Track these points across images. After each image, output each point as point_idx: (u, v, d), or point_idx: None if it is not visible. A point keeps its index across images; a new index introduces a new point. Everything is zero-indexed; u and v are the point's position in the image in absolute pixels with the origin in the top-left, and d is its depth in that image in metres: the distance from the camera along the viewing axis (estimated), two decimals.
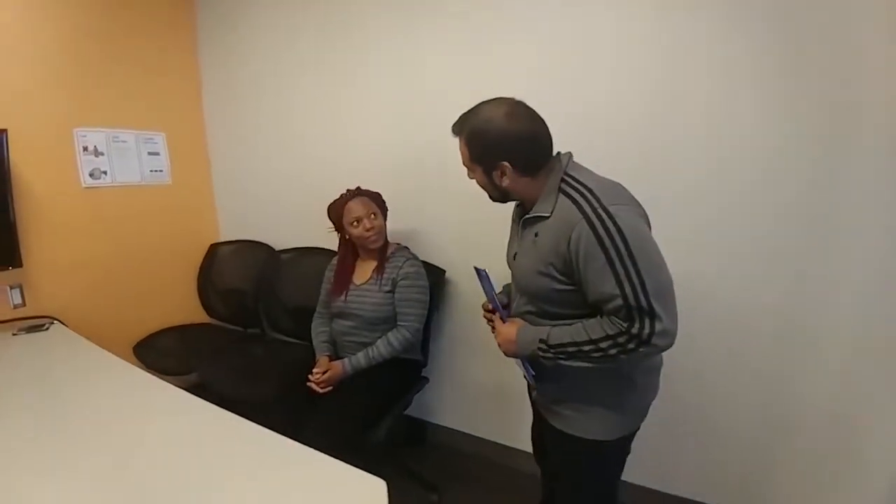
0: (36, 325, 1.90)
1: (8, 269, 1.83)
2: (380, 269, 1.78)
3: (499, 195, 1.13)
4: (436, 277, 1.97)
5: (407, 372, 1.88)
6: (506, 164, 1.03)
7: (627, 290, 0.91)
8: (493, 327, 1.23)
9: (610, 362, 0.98)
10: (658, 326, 0.90)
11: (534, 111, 1.05)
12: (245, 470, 1.03)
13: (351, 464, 0.99)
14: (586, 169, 1.07)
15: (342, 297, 1.80)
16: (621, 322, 0.93)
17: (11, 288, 1.92)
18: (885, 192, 1.31)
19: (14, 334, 1.81)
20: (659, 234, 1.02)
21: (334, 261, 1.91)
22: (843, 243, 1.39)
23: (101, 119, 2.24)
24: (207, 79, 2.67)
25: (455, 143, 1.13)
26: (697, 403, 1.67)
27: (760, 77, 1.41)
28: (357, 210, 1.73)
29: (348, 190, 1.80)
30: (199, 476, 1.01)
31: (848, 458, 1.46)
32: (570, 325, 1.03)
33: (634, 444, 1.21)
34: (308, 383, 1.69)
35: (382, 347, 1.72)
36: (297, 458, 1.06)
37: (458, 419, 2.23)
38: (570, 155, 1.08)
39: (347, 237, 1.80)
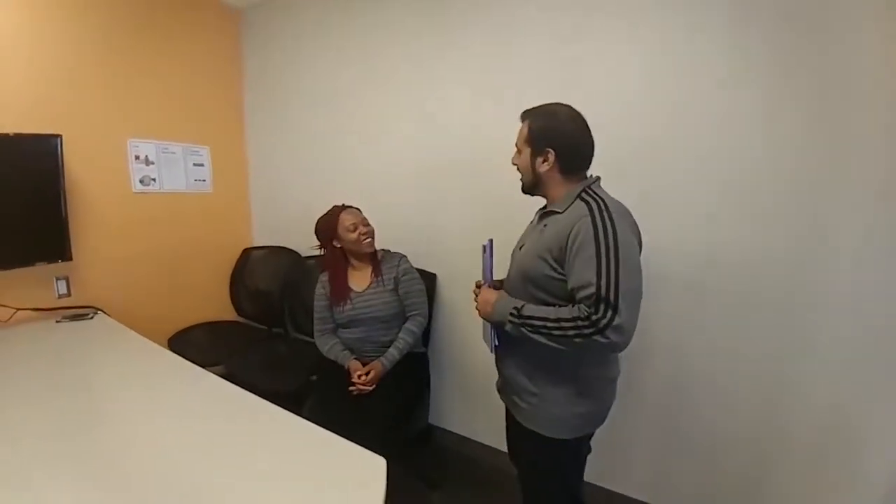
0: (80, 313, 2.06)
1: (58, 261, 2.01)
2: (377, 272, 1.90)
3: (531, 182, 1.26)
4: (429, 282, 2.10)
5: (422, 364, 2.06)
6: (552, 152, 1.18)
7: (602, 281, 1.01)
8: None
9: (566, 343, 1.06)
10: (616, 320, 0.99)
11: (589, 128, 1.20)
12: (254, 443, 1.12)
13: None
14: (607, 192, 1.18)
15: (348, 306, 1.86)
16: (587, 308, 1.02)
17: (58, 279, 2.10)
18: (884, 196, 1.30)
19: (57, 321, 1.97)
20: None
21: (324, 277, 1.95)
22: (840, 246, 1.37)
23: (153, 132, 2.45)
24: (249, 99, 2.90)
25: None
26: (689, 417, 1.66)
27: (762, 89, 1.43)
28: (351, 218, 1.86)
29: (335, 206, 1.93)
30: (211, 447, 1.10)
31: (845, 462, 1.43)
32: (544, 307, 1.13)
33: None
34: (351, 388, 1.72)
35: (408, 337, 1.86)
36: (303, 434, 1.14)
37: (452, 421, 2.29)
38: (598, 178, 1.22)
39: (339, 246, 1.89)
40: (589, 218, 1.06)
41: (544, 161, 1.19)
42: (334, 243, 1.90)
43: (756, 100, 1.44)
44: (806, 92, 1.37)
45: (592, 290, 1.01)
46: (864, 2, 1.28)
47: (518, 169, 1.28)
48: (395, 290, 1.90)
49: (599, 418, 1.25)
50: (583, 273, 1.03)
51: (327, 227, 1.88)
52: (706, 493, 1.66)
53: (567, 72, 1.75)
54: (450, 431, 2.29)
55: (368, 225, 1.89)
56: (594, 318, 1.00)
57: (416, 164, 2.20)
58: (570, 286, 1.08)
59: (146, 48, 2.37)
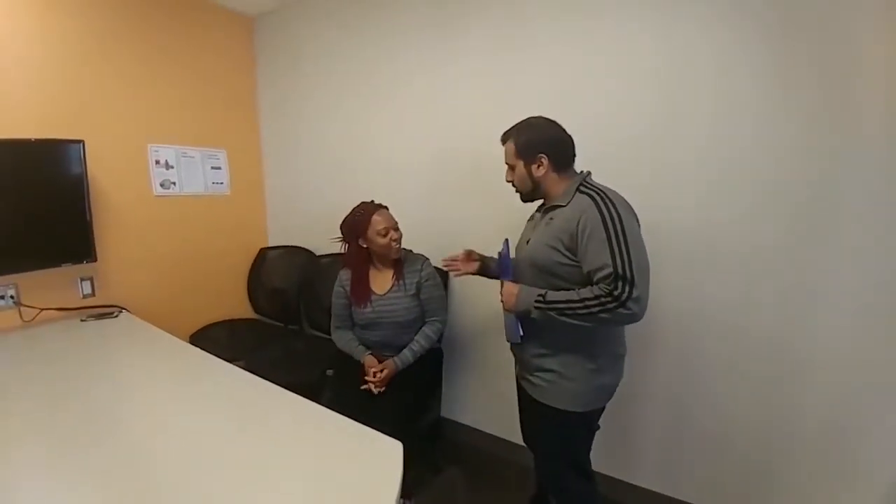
0: (105, 312, 2.14)
1: (83, 262, 2.08)
2: (399, 275, 1.87)
3: (530, 189, 1.37)
4: (441, 277, 2.10)
5: (436, 359, 2.07)
6: (544, 156, 1.31)
7: (618, 261, 1.13)
8: (455, 270, 1.59)
9: (592, 320, 1.17)
10: (634, 293, 1.11)
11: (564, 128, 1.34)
12: (278, 429, 1.18)
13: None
14: (599, 183, 1.30)
15: (368, 308, 1.85)
16: (606, 286, 1.14)
17: (82, 280, 2.18)
18: (883, 203, 1.32)
19: (82, 320, 2.05)
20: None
21: (344, 275, 1.92)
22: (839, 254, 1.40)
23: (172, 137, 2.54)
24: (263, 103, 2.96)
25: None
26: (697, 408, 1.69)
27: (760, 89, 1.46)
28: (384, 222, 1.79)
29: (364, 203, 1.86)
30: (237, 431, 1.16)
31: (845, 466, 1.46)
32: (565, 291, 1.23)
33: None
34: (364, 387, 1.74)
35: (423, 341, 1.86)
36: (322, 419, 1.20)
37: (464, 414, 2.34)
38: (590, 172, 1.35)
39: (364, 247, 1.84)
40: (595, 208, 1.18)
41: (539, 166, 1.32)
42: (360, 242, 1.84)
43: (751, 95, 1.47)
44: (804, 87, 1.39)
45: (610, 269, 1.13)
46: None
47: (513, 184, 1.39)
48: (417, 294, 1.87)
49: (610, 392, 1.36)
50: (598, 256, 1.15)
51: (357, 225, 1.82)
52: (715, 482, 1.67)
53: (575, 71, 1.78)
54: (462, 424, 2.33)
55: (398, 230, 1.84)
56: (616, 293, 1.12)
57: (428, 162, 2.24)
58: (585, 270, 1.20)
59: (163, 56, 2.45)
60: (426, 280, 1.88)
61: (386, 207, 1.87)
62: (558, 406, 1.32)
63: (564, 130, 1.33)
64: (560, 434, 1.38)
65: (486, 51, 1.99)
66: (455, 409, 2.35)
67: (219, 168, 2.80)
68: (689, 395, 1.68)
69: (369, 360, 1.81)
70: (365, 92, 2.43)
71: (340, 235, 1.89)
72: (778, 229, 1.47)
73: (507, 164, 1.39)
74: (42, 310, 2.03)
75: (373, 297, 1.85)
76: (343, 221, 1.87)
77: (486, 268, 1.61)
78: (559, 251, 1.25)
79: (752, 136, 1.48)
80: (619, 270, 1.12)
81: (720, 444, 1.65)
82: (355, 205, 1.87)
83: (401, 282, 1.86)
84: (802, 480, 1.53)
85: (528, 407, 1.45)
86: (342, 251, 1.93)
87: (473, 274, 1.61)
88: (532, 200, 1.41)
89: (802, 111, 1.40)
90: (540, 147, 1.31)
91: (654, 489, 1.81)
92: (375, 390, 1.73)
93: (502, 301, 1.35)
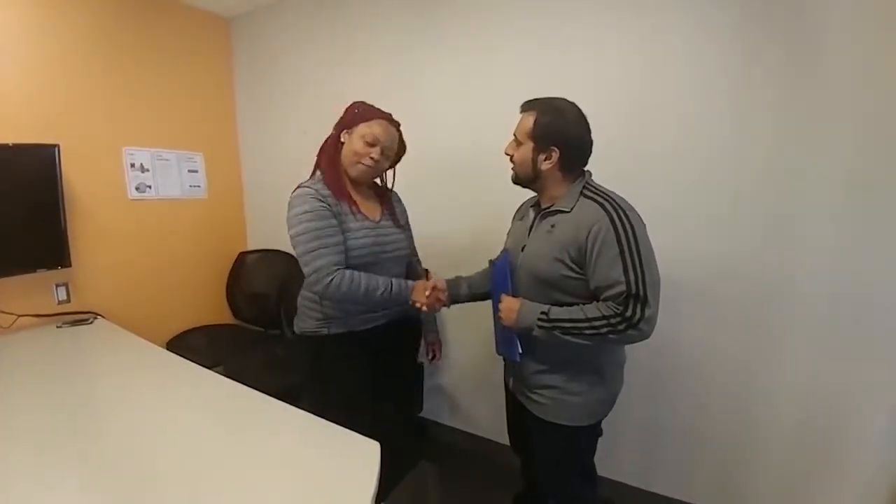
0: (81, 319, 2.11)
1: (58, 268, 2.05)
2: (386, 205, 1.52)
3: (527, 176, 1.24)
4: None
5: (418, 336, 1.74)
6: (556, 151, 1.18)
7: (631, 277, 1.05)
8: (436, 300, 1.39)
9: (599, 341, 1.10)
10: (647, 312, 1.04)
11: (590, 127, 1.21)
12: (256, 434, 1.18)
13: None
14: (601, 185, 1.22)
15: (364, 235, 1.38)
16: (617, 306, 1.06)
17: (58, 286, 2.15)
18: (849, 195, 1.39)
19: (58, 327, 2.02)
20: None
21: (317, 185, 1.36)
22: (810, 242, 1.45)
23: (148, 139, 2.49)
24: (241, 106, 2.94)
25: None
26: (673, 401, 1.74)
27: (736, 89, 1.51)
28: (383, 133, 1.37)
29: (358, 103, 1.45)
30: (215, 436, 1.17)
31: (821, 455, 1.52)
32: (568, 307, 1.14)
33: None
34: (422, 304, 1.38)
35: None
36: (300, 423, 1.20)
37: (448, 417, 2.36)
38: (590, 173, 1.25)
39: (342, 142, 1.40)
40: (607, 218, 1.09)
41: (547, 159, 1.19)
42: (341, 136, 1.41)
43: (724, 94, 1.53)
44: (776, 82, 1.45)
45: (622, 287, 1.05)
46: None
47: (512, 159, 1.26)
48: (406, 231, 1.56)
49: (613, 400, 1.30)
50: (609, 273, 1.07)
51: (353, 115, 1.39)
52: (692, 475, 1.73)
53: (554, 76, 1.81)
54: (447, 426, 2.35)
55: (387, 160, 1.42)
56: (627, 314, 1.04)
57: (410, 166, 2.22)
58: (593, 286, 1.11)
59: (138, 58, 2.41)
60: (403, 213, 1.59)
61: (398, 127, 1.44)
62: (564, 423, 1.24)
63: (589, 130, 1.20)
64: (568, 449, 1.31)
65: (467, 51, 2.01)
66: (440, 413, 2.37)
67: (196, 171, 2.76)
68: (666, 389, 1.73)
69: (420, 283, 1.40)
70: (343, 93, 2.41)
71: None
72: (749, 225, 1.53)
73: (514, 136, 1.24)
74: (19, 316, 1.99)
75: (368, 224, 1.40)
76: (347, 112, 1.44)
77: (457, 295, 1.48)
78: (565, 264, 1.14)
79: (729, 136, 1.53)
80: (633, 289, 1.04)
81: (696, 438, 1.70)
82: None
83: (390, 212, 1.51)
84: (779, 473, 1.58)
85: (528, 422, 1.33)
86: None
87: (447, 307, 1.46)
88: (524, 187, 1.29)
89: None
90: (557, 140, 1.17)
91: (630, 483, 1.86)
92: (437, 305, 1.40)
93: (500, 316, 1.23)
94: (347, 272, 1.29)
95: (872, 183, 1.35)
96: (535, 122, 1.18)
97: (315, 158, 1.53)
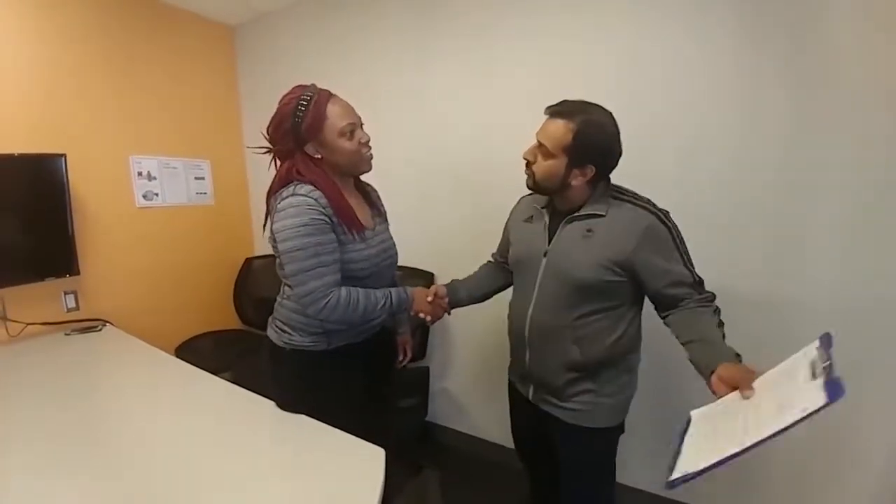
0: (90, 326, 2.12)
1: (66, 276, 2.07)
2: (371, 203, 1.37)
3: (553, 188, 1.16)
4: (426, 281, 2.15)
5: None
6: (592, 168, 1.12)
7: (691, 268, 1.13)
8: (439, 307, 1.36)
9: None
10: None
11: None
12: (262, 439, 1.19)
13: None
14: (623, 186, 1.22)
15: (363, 245, 1.26)
16: (697, 293, 1.12)
17: (66, 294, 2.16)
18: (855, 193, 1.37)
19: (67, 334, 2.04)
20: None
21: (320, 198, 1.14)
22: (815, 237, 1.44)
23: (154, 148, 2.52)
24: (246, 113, 2.96)
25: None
26: (678, 408, 1.66)
27: (750, 89, 1.49)
28: (346, 114, 1.19)
29: (302, 86, 1.19)
30: (221, 442, 1.17)
31: (832, 458, 1.49)
32: (708, 335, 1.06)
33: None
34: (426, 313, 1.34)
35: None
36: (305, 428, 1.20)
37: (449, 418, 2.36)
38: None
39: (319, 157, 1.19)
40: (656, 219, 1.11)
41: (581, 175, 1.12)
42: (311, 151, 1.18)
43: (734, 97, 1.51)
44: (787, 85, 1.43)
45: (690, 279, 1.12)
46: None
47: (530, 165, 1.17)
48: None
49: (633, 396, 1.30)
50: (674, 269, 1.11)
51: (304, 125, 1.14)
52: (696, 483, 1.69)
53: (554, 76, 1.79)
54: (449, 428, 2.35)
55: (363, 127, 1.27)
56: (708, 296, 1.13)
57: (413, 166, 2.24)
58: (655, 286, 1.12)
59: (143, 67, 2.44)
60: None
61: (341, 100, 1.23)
62: (600, 425, 1.23)
63: (620, 140, 1.13)
64: (604, 450, 1.29)
65: (468, 55, 2.01)
66: (441, 414, 2.36)
67: (202, 178, 2.78)
68: (671, 395, 1.70)
69: (420, 290, 1.35)
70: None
71: (267, 142, 1.22)
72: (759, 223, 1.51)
73: (540, 142, 1.13)
74: (28, 324, 2.01)
75: (366, 234, 1.27)
76: (274, 118, 1.19)
77: (457, 300, 1.43)
78: (610, 269, 1.11)
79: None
80: (697, 277, 1.13)
81: None
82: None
83: (377, 211, 1.38)
84: (787, 482, 1.57)
85: (563, 433, 1.27)
86: (274, 167, 1.24)
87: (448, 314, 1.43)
88: (542, 194, 1.23)
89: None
90: (596, 157, 1.10)
91: (641, 488, 1.84)
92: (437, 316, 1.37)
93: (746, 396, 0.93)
94: (343, 291, 1.17)
95: (882, 189, 1.34)
96: (574, 136, 1.08)
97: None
